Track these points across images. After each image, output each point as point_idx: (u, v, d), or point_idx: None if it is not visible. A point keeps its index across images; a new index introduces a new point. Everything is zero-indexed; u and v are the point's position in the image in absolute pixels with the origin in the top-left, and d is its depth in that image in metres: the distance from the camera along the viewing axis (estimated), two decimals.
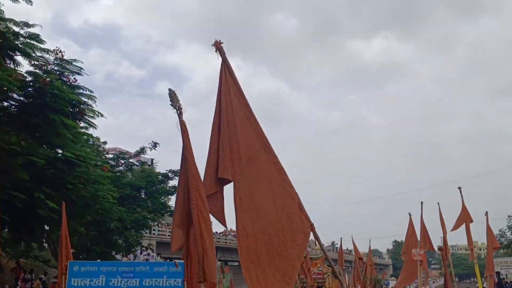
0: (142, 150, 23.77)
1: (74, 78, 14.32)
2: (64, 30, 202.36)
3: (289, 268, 3.87)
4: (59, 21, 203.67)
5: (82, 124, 15.16)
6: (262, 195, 3.95)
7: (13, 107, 12.82)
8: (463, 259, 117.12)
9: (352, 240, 16.48)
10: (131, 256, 34.42)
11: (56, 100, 12.21)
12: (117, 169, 23.72)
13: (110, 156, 23.99)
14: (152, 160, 26.60)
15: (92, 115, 14.99)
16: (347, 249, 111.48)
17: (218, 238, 54.48)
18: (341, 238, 21.76)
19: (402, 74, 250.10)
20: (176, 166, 24.45)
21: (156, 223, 42.39)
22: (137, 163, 24.56)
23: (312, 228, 4.19)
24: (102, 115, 15.46)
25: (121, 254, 27.44)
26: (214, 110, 3.84)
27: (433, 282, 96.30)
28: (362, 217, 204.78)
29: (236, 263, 65.10)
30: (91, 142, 20.41)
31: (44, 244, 22.03)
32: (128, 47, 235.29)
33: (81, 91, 14.47)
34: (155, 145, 23.53)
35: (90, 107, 14.87)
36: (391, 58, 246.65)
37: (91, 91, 14.58)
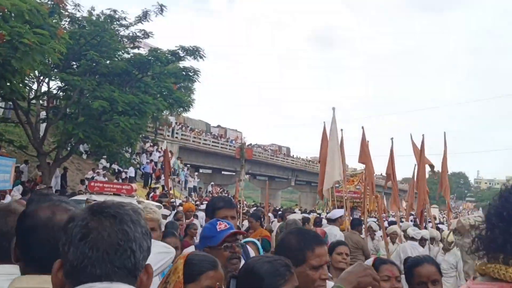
0: (145, 15, 18.00)
1: None
2: None
3: None
4: None
5: None
6: None
7: None
8: None
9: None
10: (143, 156, 30.08)
11: None
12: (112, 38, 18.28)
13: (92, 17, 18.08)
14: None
15: None
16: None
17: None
18: None
19: None
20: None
21: (174, 118, 38.10)
22: (140, 35, 18.93)
23: None
24: None
25: (124, 150, 22.98)
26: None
27: (468, 214, 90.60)
28: None
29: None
30: None
31: None
32: None
33: None
34: (161, 8, 17.67)
35: None
36: None
37: None
